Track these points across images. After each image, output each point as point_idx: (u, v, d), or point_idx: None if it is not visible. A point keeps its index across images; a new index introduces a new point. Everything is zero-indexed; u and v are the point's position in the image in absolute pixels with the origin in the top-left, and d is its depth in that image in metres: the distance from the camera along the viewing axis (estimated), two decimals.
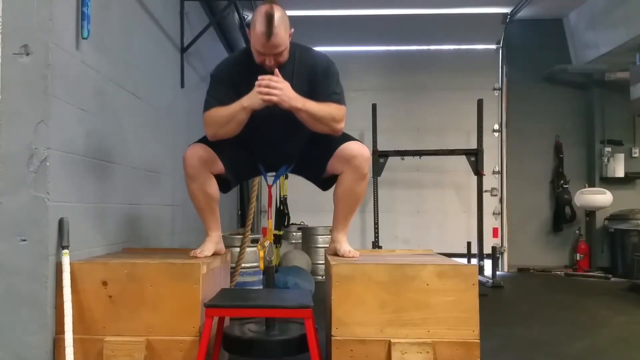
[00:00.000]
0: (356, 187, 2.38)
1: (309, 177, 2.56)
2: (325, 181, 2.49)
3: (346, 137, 2.37)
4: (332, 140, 2.34)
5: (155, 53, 3.49)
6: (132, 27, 3.01)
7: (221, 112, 2.23)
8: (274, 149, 2.43)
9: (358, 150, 2.33)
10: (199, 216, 2.49)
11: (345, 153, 2.32)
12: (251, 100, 2.17)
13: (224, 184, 2.47)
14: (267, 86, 2.13)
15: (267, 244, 2.54)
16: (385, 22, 6.92)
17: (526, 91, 6.96)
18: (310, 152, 2.43)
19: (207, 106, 2.28)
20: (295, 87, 2.19)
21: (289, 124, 2.27)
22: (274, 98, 2.13)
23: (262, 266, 2.56)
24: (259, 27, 2.09)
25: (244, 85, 2.21)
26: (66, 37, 2.18)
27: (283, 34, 2.13)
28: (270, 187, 2.55)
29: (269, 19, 2.08)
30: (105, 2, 2.59)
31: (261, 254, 2.52)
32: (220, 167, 2.38)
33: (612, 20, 5.93)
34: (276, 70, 2.17)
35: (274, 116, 2.26)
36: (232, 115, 2.21)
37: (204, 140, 2.36)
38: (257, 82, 2.15)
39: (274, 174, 2.59)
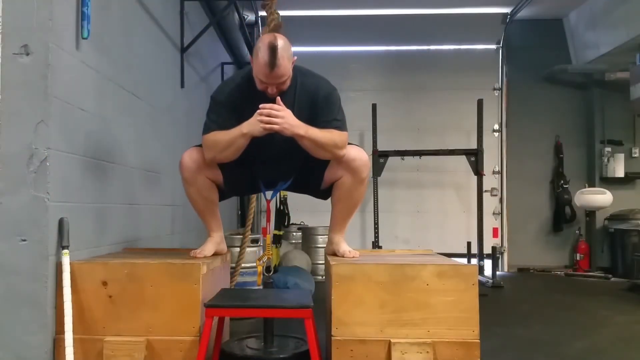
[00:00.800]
0: (354, 191, 2.38)
1: (307, 191, 2.55)
2: (325, 191, 2.49)
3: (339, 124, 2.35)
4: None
5: (155, 53, 3.49)
6: (132, 27, 3.01)
7: (221, 136, 2.23)
8: (273, 168, 2.43)
9: (357, 154, 2.33)
10: (200, 218, 2.50)
11: (345, 158, 2.32)
12: (251, 127, 2.16)
13: (219, 194, 2.47)
14: (269, 115, 2.13)
15: (265, 259, 2.54)
16: (385, 22, 6.92)
17: (526, 91, 6.96)
18: (306, 166, 2.41)
19: (207, 129, 2.27)
20: (297, 113, 2.19)
21: (289, 147, 2.26)
22: (276, 127, 2.13)
23: (259, 282, 2.56)
24: (263, 57, 2.09)
25: (245, 110, 2.20)
26: (66, 37, 2.18)
27: (286, 64, 2.12)
28: (269, 202, 2.54)
29: (273, 50, 2.07)
30: (105, 2, 2.59)
31: (259, 269, 2.52)
32: (218, 176, 2.37)
33: (612, 20, 5.93)
34: (278, 99, 2.17)
35: (274, 141, 2.25)
36: (231, 141, 2.21)
37: (197, 145, 2.36)
38: (258, 111, 2.15)
39: (271, 192, 2.59)
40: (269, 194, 2.56)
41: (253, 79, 2.21)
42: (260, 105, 2.15)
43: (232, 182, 2.41)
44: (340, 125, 2.27)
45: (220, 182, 2.40)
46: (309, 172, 2.42)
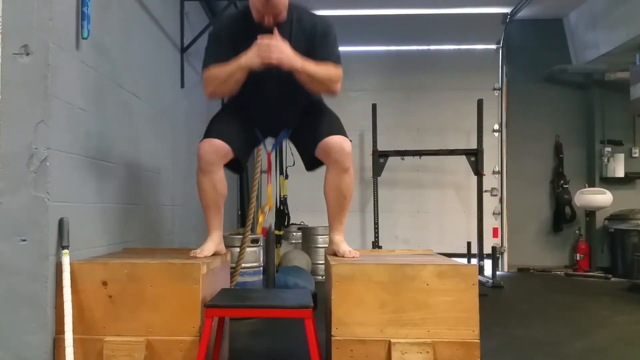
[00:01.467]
0: (340, 182, 2.40)
1: (301, 151, 2.57)
2: (312, 161, 2.51)
3: (332, 129, 2.39)
4: (323, 123, 2.41)
5: (155, 53, 3.49)
6: (132, 27, 3.01)
7: (219, 70, 2.26)
8: (272, 111, 2.44)
9: (338, 143, 2.35)
10: (203, 213, 2.49)
11: (326, 146, 2.35)
12: (249, 59, 2.19)
13: (236, 166, 2.50)
14: (267, 47, 2.16)
15: (267, 209, 2.55)
16: (385, 22, 6.92)
17: (526, 91, 6.96)
18: (305, 127, 2.45)
19: (206, 65, 2.31)
20: (293, 47, 2.21)
21: (287, 85, 2.30)
22: (274, 59, 2.16)
23: (258, 231, 2.57)
24: None
25: (242, 43, 2.23)
26: (66, 37, 2.18)
27: None
28: (269, 153, 2.55)
29: None
30: (105, 2, 2.59)
31: (261, 219, 2.53)
32: (231, 153, 2.39)
33: (612, 20, 5.93)
34: (275, 30, 2.20)
35: (271, 77, 2.28)
36: (230, 74, 2.24)
37: (213, 134, 2.37)
38: (256, 43, 2.18)
39: (271, 147, 2.61)
40: (269, 147, 2.60)
41: (249, 13, 2.25)
42: (259, 37, 2.18)
43: (238, 142, 2.41)
44: (336, 60, 2.31)
45: (233, 156, 2.40)
46: (307, 137, 2.44)
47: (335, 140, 2.36)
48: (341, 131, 2.42)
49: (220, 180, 2.41)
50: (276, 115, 2.47)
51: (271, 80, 2.32)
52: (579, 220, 6.86)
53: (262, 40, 2.17)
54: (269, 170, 2.56)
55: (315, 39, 2.30)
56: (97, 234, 2.47)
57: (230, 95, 2.37)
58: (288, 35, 2.26)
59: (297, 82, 2.27)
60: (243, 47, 2.22)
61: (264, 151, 2.65)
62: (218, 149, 2.34)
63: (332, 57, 2.30)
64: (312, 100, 2.49)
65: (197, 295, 2.04)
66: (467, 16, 6.83)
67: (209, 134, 2.39)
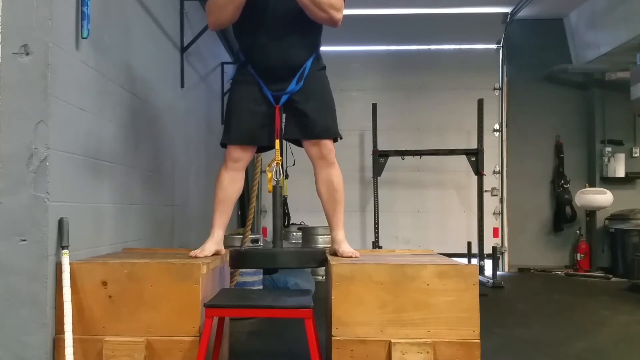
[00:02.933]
0: (329, 175, 2.50)
1: (289, 126, 2.56)
2: (293, 141, 2.60)
3: (328, 130, 2.48)
4: (318, 117, 2.47)
5: (155, 53, 3.49)
6: (132, 27, 3.01)
7: None
8: (276, 49, 2.41)
9: (324, 146, 2.47)
10: (213, 208, 2.53)
11: (314, 146, 2.47)
12: None
13: (263, 147, 2.59)
14: None
15: (273, 166, 2.56)
16: (385, 22, 6.92)
17: (526, 91, 6.95)
18: (301, 109, 2.47)
19: None
20: None
21: (288, 15, 2.34)
22: None
23: (270, 188, 2.60)
24: None
25: None
26: (66, 37, 2.17)
27: None
28: (278, 107, 2.49)
29: None
30: (105, 2, 2.59)
31: (269, 175, 2.55)
32: (255, 149, 2.54)
33: (613, 20, 5.93)
34: None
35: (273, 3, 2.33)
36: None
37: (235, 138, 2.48)
38: None
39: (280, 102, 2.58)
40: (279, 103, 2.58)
41: None
42: None
43: (253, 131, 2.47)
44: None
45: (257, 145, 2.52)
46: (306, 111, 2.47)
47: (322, 143, 2.47)
48: (335, 130, 2.51)
49: (240, 179, 2.52)
50: (279, 53, 2.42)
51: (271, 7, 2.35)
52: (580, 220, 6.86)
53: None
54: (277, 126, 2.52)
55: None
56: (97, 234, 2.47)
57: (232, 22, 2.40)
58: None
59: (299, 10, 2.30)
60: None
61: (265, 183, 2.69)
62: (245, 152, 2.50)
63: None
64: (318, 64, 2.52)
65: (197, 295, 2.04)
66: (467, 16, 6.83)
67: (229, 136, 2.48)
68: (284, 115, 2.53)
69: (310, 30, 2.45)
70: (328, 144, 2.49)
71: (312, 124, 2.46)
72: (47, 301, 1.97)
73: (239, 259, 2.41)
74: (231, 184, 2.50)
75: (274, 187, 2.49)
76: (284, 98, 2.46)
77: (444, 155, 6.20)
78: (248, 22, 2.39)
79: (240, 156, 2.51)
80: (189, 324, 2.03)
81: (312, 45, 2.50)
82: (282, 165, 5.59)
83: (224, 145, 2.55)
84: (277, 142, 2.48)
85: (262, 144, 2.54)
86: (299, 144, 2.58)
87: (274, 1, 2.35)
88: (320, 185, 2.53)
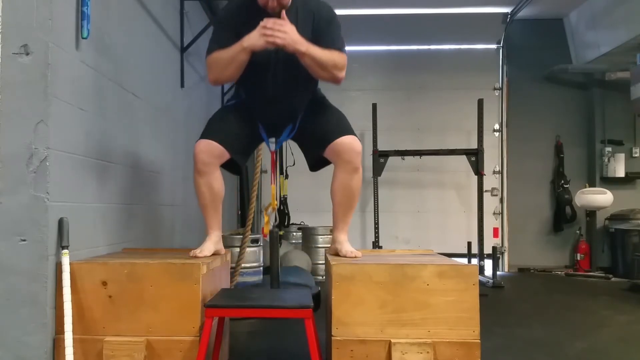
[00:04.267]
0: (350, 182, 2.40)
1: (307, 151, 2.55)
2: (317, 162, 2.51)
3: (342, 129, 2.39)
4: (331, 122, 2.40)
5: (155, 53, 3.49)
6: (132, 27, 3.01)
7: (222, 54, 2.25)
8: (276, 102, 2.41)
9: (349, 144, 2.35)
10: (202, 213, 2.49)
11: (338, 147, 2.35)
12: (252, 40, 2.18)
13: (234, 167, 2.49)
14: (271, 28, 2.15)
15: (270, 210, 2.55)
16: (385, 22, 6.92)
17: (526, 91, 6.96)
18: (311, 128, 2.44)
19: (209, 50, 2.32)
20: (299, 32, 2.21)
21: (290, 71, 2.29)
22: (278, 40, 2.15)
23: (266, 230, 2.58)
24: None
25: (246, 28, 2.22)
26: (66, 37, 2.17)
27: None
28: (273, 153, 2.51)
29: None
30: (105, 2, 2.59)
31: (266, 218, 2.53)
32: (226, 154, 2.38)
33: (613, 20, 5.93)
34: (283, 13, 2.19)
35: (275, 62, 2.29)
36: (232, 56, 2.23)
37: (209, 135, 2.36)
38: (261, 24, 2.17)
39: (274, 142, 2.58)
40: (273, 146, 2.58)
41: None
42: (265, 19, 2.17)
43: (236, 143, 2.40)
44: (341, 47, 2.32)
45: (229, 158, 2.39)
46: (313, 139, 2.43)
47: (347, 140, 2.36)
48: (350, 130, 2.42)
49: (216, 180, 2.40)
50: (279, 108, 2.44)
51: (274, 68, 2.31)
52: (580, 220, 6.85)
53: (267, 21, 2.16)
54: (272, 170, 2.54)
55: (320, 26, 2.30)
56: (97, 234, 2.47)
57: (232, 80, 2.35)
58: (294, 20, 2.25)
59: (301, 68, 2.26)
60: (247, 32, 2.21)
61: (267, 150, 2.62)
62: (212, 149, 2.34)
63: (337, 43, 2.30)
64: (316, 96, 2.48)
65: (197, 295, 2.04)
66: (467, 16, 6.83)
67: (205, 134, 2.39)
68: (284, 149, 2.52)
69: (311, 84, 2.41)
70: (349, 144, 2.35)
71: (327, 132, 2.39)
72: (47, 301, 1.97)
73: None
74: (210, 188, 2.39)
75: (271, 232, 2.48)
76: (278, 145, 2.50)
77: (444, 155, 6.20)
78: (249, 79, 2.33)
79: (209, 159, 2.34)
80: (189, 324, 2.03)
81: (312, 93, 2.47)
82: (282, 166, 5.62)
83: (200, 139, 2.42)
84: (273, 187, 2.46)
85: (233, 155, 2.40)
86: (322, 159, 2.47)
87: (275, 60, 2.29)
88: (337, 187, 2.42)
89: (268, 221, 2.54)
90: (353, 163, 2.37)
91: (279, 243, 5.10)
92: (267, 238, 2.87)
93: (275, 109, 2.44)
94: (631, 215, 6.34)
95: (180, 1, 4.10)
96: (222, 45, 2.26)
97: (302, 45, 2.18)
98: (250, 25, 2.21)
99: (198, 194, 2.43)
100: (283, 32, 2.15)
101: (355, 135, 2.42)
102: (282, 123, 2.50)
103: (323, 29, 2.30)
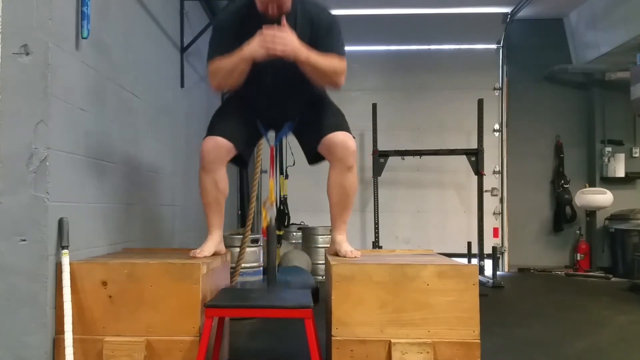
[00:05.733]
0: (343, 180, 2.40)
1: (304, 145, 2.55)
2: (315, 156, 2.51)
3: (336, 126, 2.39)
4: (327, 117, 2.40)
5: (155, 53, 3.49)
6: (132, 27, 3.01)
7: (223, 62, 2.25)
8: (275, 103, 2.42)
9: (342, 141, 2.34)
10: (205, 212, 2.48)
11: (329, 142, 2.35)
12: (253, 50, 2.18)
13: (240, 161, 2.50)
14: (271, 37, 2.15)
15: (269, 204, 2.55)
16: (385, 22, 6.92)
17: (526, 91, 6.96)
18: (309, 122, 2.44)
19: (210, 57, 2.32)
20: (299, 38, 2.20)
21: (290, 76, 2.29)
22: (278, 49, 2.15)
23: (265, 225, 2.58)
24: None
25: (246, 34, 2.22)
26: (66, 37, 2.17)
27: None
28: (272, 147, 2.50)
29: None
30: (105, 2, 2.59)
31: (264, 214, 2.53)
32: (234, 150, 2.39)
33: (613, 20, 5.93)
34: (283, 19, 2.19)
35: (275, 68, 2.28)
36: (234, 65, 2.23)
37: (216, 131, 2.37)
38: (261, 33, 2.16)
39: (273, 136, 2.59)
40: (272, 141, 2.58)
41: (253, 3, 2.23)
42: (264, 27, 2.16)
43: (240, 137, 2.40)
44: (341, 53, 2.31)
45: (236, 153, 2.41)
46: (310, 131, 2.43)
47: (339, 137, 2.35)
48: (345, 127, 2.41)
49: (222, 179, 2.40)
50: (279, 108, 2.45)
51: (274, 72, 2.31)
52: (580, 220, 6.85)
53: (267, 31, 2.16)
54: (271, 165, 2.53)
55: (319, 31, 2.29)
56: (97, 234, 2.47)
57: (235, 87, 2.35)
58: (293, 25, 2.24)
59: (301, 73, 2.25)
60: (247, 37, 2.20)
61: (266, 145, 2.62)
62: (221, 146, 2.34)
63: (336, 49, 2.30)
64: (315, 93, 2.48)
65: (197, 295, 2.04)
66: (467, 16, 6.83)
67: (211, 131, 2.39)
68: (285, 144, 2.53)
69: (310, 87, 2.39)
70: (341, 141, 2.34)
71: (319, 125, 2.40)
72: (47, 301, 1.98)
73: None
74: (215, 186, 2.40)
75: (269, 225, 2.48)
76: (277, 141, 2.49)
77: (444, 155, 6.20)
78: (249, 80, 2.32)
79: (215, 157, 2.35)
80: (189, 324, 2.03)
81: (311, 91, 2.44)
82: (282, 166, 5.62)
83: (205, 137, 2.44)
84: (271, 181, 2.46)
85: (240, 150, 2.42)
86: (317, 155, 2.47)
87: (274, 68, 2.28)
88: (332, 186, 2.43)
89: (266, 215, 2.54)
90: (345, 161, 2.36)
91: (277, 243, 5.11)
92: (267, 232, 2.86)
93: (275, 108, 2.45)
94: (631, 215, 6.34)
95: (180, 1, 4.10)
96: (222, 52, 2.25)
97: (302, 53, 2.18)
98: (250, 29, 2.20)
99: (202, 192, 2.42)
100: (283, 42, 2.14)
101: (349, 132, 2.41)
102: (281, 119, 2.50)
103: (323, 34, 2.29)
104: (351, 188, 2.43)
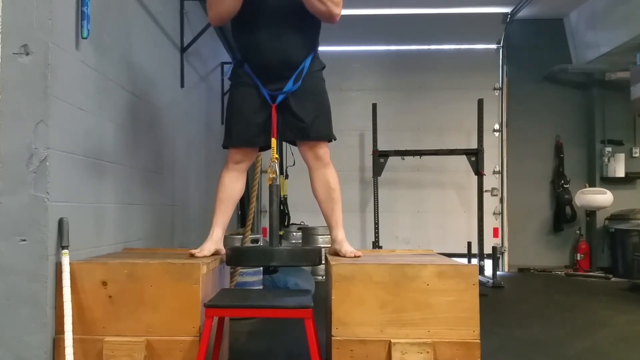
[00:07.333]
0: (325, 177, 2.52)
1: (285, 129, 2.54)
2: (290, 142, 2.65)
3: (322, 133, 2.49)
4: (314, 119, 2.47)
5: (155, 53, 3.49)
6: (132, 27, 3.01)
7: None
8: (272, 48, 2.40)
9: (319, 148, 2.49)
10: (214, 207, 2.53)
11: (310, 150, 2.50)
12: None
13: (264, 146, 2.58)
14: None
15: (272, 163, 2.54)
16: (385, 22, 6.92)
17: (526, 91, 6.96)
18: (294, 110, 2.45)
19: None
20: None
21: (286, 13, 2.34)
22: None
23: (269, 181, 2.59)
24: None
25: None
26: (66, 37, 2.17)
27: None
28: (274, 106, 2.46)
29: None
30: (105, 2, 2.59)
31: (269, 170, 2.54)
32: (257, 150, 2.59)
33: (613, 20, 5.93)
34: None
35: (271, 3, 2.34)
36: None
37: (237, 141, 2.50)
38: None
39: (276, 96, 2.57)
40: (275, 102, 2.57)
41: None
42: None
43: (253, 134, 2.47)
44: None
45: (257, 147, 2.56)
46: (302, 112, 2.46)
47: (321, 149, 2.50)
48: (329, 131, 2.52)
49: (239, 180, 2.55)
50: (277, 54, 2.41)
51: (270, 7, 2.35)
52: (580, 220, 6.86)
53: None
54: (274, 126, 2.50)
55: None
56: (97, 234, 2.47)
57: (233, 12, 2.37)
58: None
59: (297, 8, 2.30)
60: None
61: (265, 182, 2.70)
62: (247, 153, 2.53)
63: None
64: (315, 67, 2.49)
65: (197, 295, 2.04)
66: (467, 16, 6.83)
67: (231, 140, 2.50)
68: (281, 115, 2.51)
69: (308, 27, 2.45)
70: (323, 145, 2.52)
71: (307, 127, 2.46)
72: (47, 301, 1.97)
73: (233, 257, 2.39)
74: (232, 183, 2.52)
75: (270, 186, 2.47)
76: (280, 97, 2.44)
77: (444, 155, 6.20)
78: (245, 19, 2.38)
79: (242, 158, 2.55)
80: (189, 324, 2.03)
81: (311, 43, 2.50)
82: (282, 165, 5.59)
83: (226, 147, 2.57)
84: (274, 140, 2.47)
85: (262, 144, 2.55)
86: (294, 143, 2.61)
87: (269, 1, 2.34)
88: (316, 185, 2.54)
89: (271, 175, 2.53)
90: (322, 160, 2.51)
91: (280, 197, 4.98)
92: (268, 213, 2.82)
93: (272, 53, 2.41)
94: (631, 215, 6.35)
95: (180, 1, 4.10)
96: None
97: None
98: None
99: (219, 186, 2.53)
100: None
101: (331, 131, 2.52)
102: (280, 73, 2.45)
103: None
104: (334, 181, 2.53)
